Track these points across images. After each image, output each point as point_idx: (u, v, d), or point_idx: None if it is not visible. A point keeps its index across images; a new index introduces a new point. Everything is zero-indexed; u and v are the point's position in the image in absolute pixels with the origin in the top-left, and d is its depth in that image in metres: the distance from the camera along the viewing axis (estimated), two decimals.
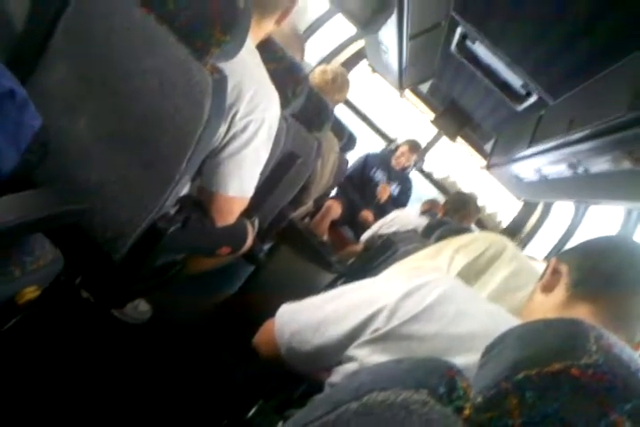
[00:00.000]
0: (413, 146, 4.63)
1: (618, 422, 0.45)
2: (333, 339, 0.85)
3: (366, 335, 0.81)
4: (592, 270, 0.85)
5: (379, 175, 4.66)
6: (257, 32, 1.44)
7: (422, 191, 5.24)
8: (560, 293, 0.86)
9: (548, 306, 0.86)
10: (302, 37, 2.70)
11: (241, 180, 1.40)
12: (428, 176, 5.39)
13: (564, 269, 0.88)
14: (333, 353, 0.85)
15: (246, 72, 1.32)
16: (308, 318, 0.91)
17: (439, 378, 0.53)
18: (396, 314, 0.79)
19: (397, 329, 0.78)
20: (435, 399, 0.50)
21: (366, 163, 4.75)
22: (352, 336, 0.83)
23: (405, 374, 0.56)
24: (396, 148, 4.75)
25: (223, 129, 1.31)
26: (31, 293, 1.10)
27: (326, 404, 0.57)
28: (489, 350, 0.59)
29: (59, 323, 1.57)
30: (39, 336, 1.48)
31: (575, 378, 0.47)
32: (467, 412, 0.50)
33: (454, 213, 3.01)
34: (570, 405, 0.46)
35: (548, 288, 0.89)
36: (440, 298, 0.80)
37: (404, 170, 4.73)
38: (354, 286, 0.95)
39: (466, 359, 0.69)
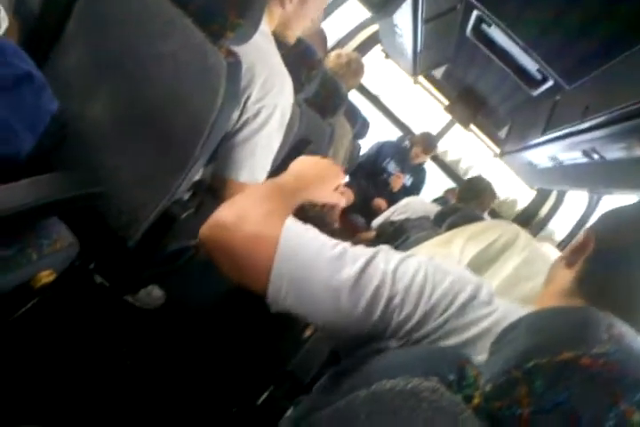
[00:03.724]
0: (427, 146, 4.58)
1: (628, 412, 0.45)
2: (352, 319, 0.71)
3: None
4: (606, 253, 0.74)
5: (391, 166, 4.63)
6: (270, 16, 1.44)
7: (436, 181, 5.21)
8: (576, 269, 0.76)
9: (567, 284, 0.76)
10: (325, 36, 2.69)
11: (253, 166, 1.40)
12: (441, 164, 5.34)
13: (591, 242, 0.76)
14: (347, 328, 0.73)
15: (259, 56, 1.31)
16: (317, 273, 0.73)
17: (449, 366, 0.53)
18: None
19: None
20: (444, 387, 0.50)
21: (380, 152, 4.71)
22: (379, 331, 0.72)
23: (415, 361, 0.56)
24: (411, 145, 4.71)
25: (236, 114, 1.31)
26: (47, 276, 1.11)
27: (337, 391, 0.58)
28: (500, 338, 0.59)
29: (73, 308, 1.58)
30: (54, 320, 1.50)
31: (586, 367, 0.47)
32: (476, 400, 0.50)
33: (469, 201, 2.97)
34: (580, 394, 0.46)
35: (570, 264, 0.78)
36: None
37: (420, 163, 4.72)
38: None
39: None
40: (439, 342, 0.68)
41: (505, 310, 0.70)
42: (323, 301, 0.72)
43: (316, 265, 0.73)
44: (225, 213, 0.79)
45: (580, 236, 0.80)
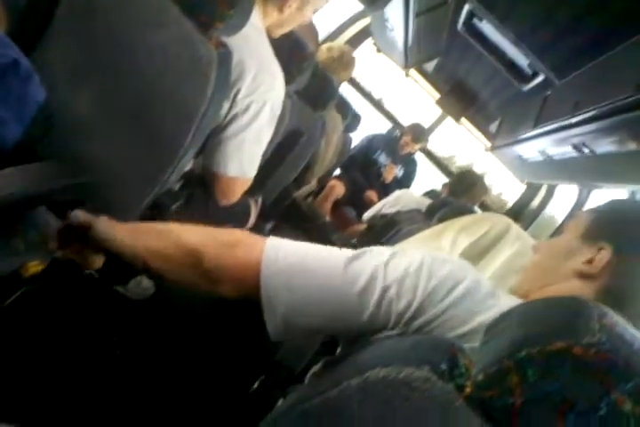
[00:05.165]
0: (417, 136, 4.58)
1: (619, 401, 0.45)
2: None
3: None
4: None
5: (382, 158, 4.63)
6: (266, 16, 1.43)
7: (427, 175, 5.21)
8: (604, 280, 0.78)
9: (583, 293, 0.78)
10: (316, 30, 2.69)
11: (241, 160, 1.40)
12: (432, 157, 5.35)
13: (606, 252, 0.79)
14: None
15: (250, 51, 1.31)
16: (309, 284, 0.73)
17: (441, 355, 0.53)
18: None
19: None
20: (436, 376, 0.50)
21: (371, 145, 4.72)
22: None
23: (407, 350, 0.56)
24: (401, 134, 4.72)
25: (226, 106, 1.31)
26: (35, 266, 1.10)
27: (328, 380, 0.57)
28: (491, 328, 0.59)
29: (62, 298, 1.57)
30: (43, 311, 1.49)
31: (577, 356, 0.47)
32: (468, 389, 0.50)
33: (460, 195, 2.97)
34: (571, 383, 0.46)
35: (588, 275, 0.80)
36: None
37: (409, 154, 4.72)
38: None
39: None
40: (441, 331, 0.67)
41: (507, 304, 0.70)
42: (316, 290, 0.72)
43: (307, 258, 0.75)
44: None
45: (593, 247, 0.81)
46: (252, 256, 0.75)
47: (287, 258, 0.75)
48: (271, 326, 0.73)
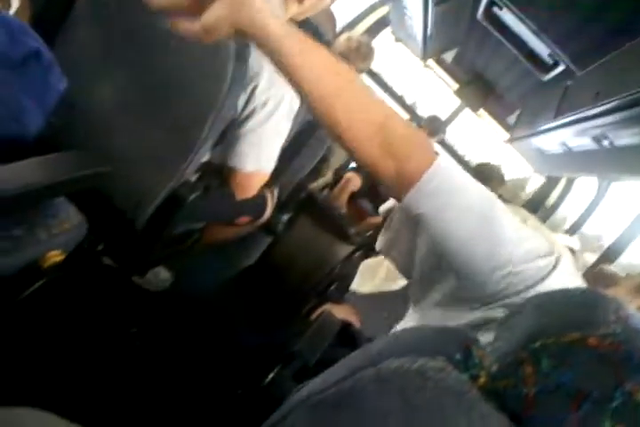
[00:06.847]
0: (433, 130, 4.54)
1: (634, 391, 0.45)
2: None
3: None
4: None
5: None
6: (286, 10, 1.43)
7: None
8: None
9: None
10: (335, 19, 2.67)
11: (259, 155, 1.41)
12: (450, 150, 5.31)
13: None
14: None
15: None
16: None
17: (456, 346, 0.53)
18: None
19: None
20: (451, 366, 0.51)
21: None
22: None
23: (422, 341, 0.56)
24: (418, 128, 4.68)
25: (243, 100, 1.31)
26: (56, 256, 1.12)
27: (343, 370, 0.58)
28: (507, 319, 0.59)
29: (81, 288, 1.59)
30: (61, 301, 1.50)
31: (592, 348, 0.47)
32: (482, 380, 0.50)
33: None
34: (586, 374, 0.46)
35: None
36: None
37: None
38: None
39: None
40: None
41: None
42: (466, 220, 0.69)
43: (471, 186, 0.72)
44: None
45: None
46: (429, 154, 0.72)
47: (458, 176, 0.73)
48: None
